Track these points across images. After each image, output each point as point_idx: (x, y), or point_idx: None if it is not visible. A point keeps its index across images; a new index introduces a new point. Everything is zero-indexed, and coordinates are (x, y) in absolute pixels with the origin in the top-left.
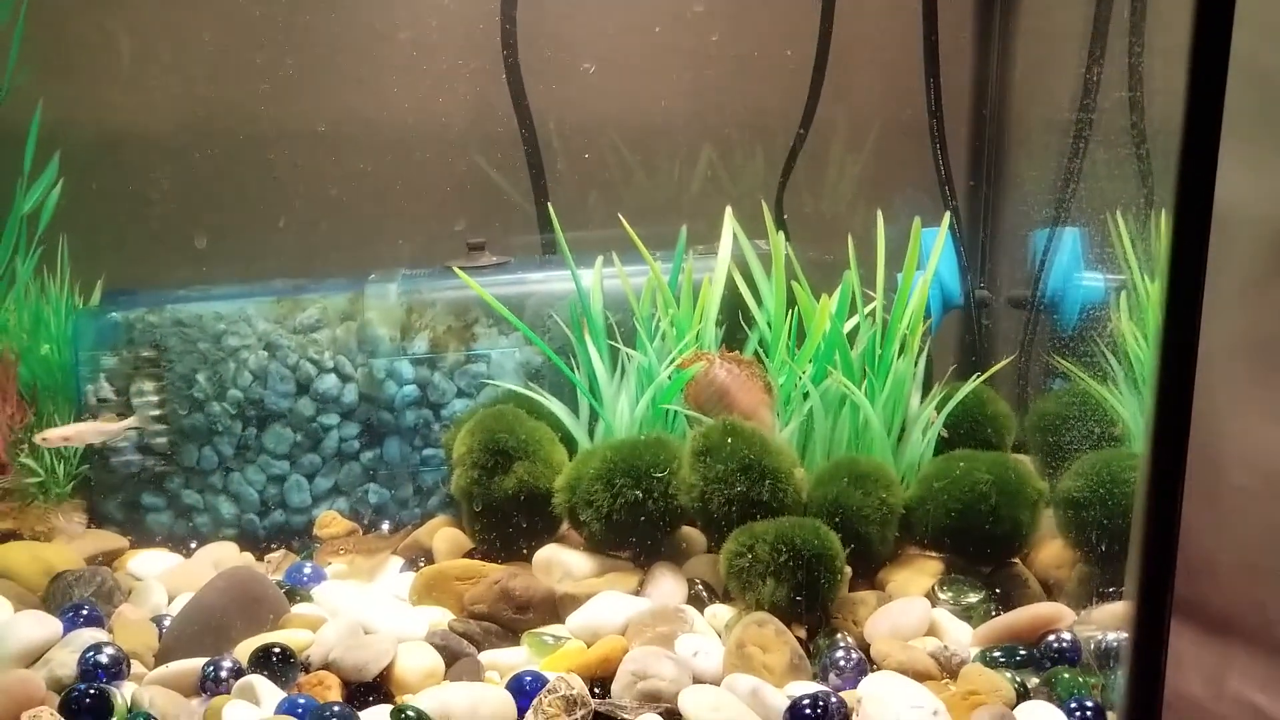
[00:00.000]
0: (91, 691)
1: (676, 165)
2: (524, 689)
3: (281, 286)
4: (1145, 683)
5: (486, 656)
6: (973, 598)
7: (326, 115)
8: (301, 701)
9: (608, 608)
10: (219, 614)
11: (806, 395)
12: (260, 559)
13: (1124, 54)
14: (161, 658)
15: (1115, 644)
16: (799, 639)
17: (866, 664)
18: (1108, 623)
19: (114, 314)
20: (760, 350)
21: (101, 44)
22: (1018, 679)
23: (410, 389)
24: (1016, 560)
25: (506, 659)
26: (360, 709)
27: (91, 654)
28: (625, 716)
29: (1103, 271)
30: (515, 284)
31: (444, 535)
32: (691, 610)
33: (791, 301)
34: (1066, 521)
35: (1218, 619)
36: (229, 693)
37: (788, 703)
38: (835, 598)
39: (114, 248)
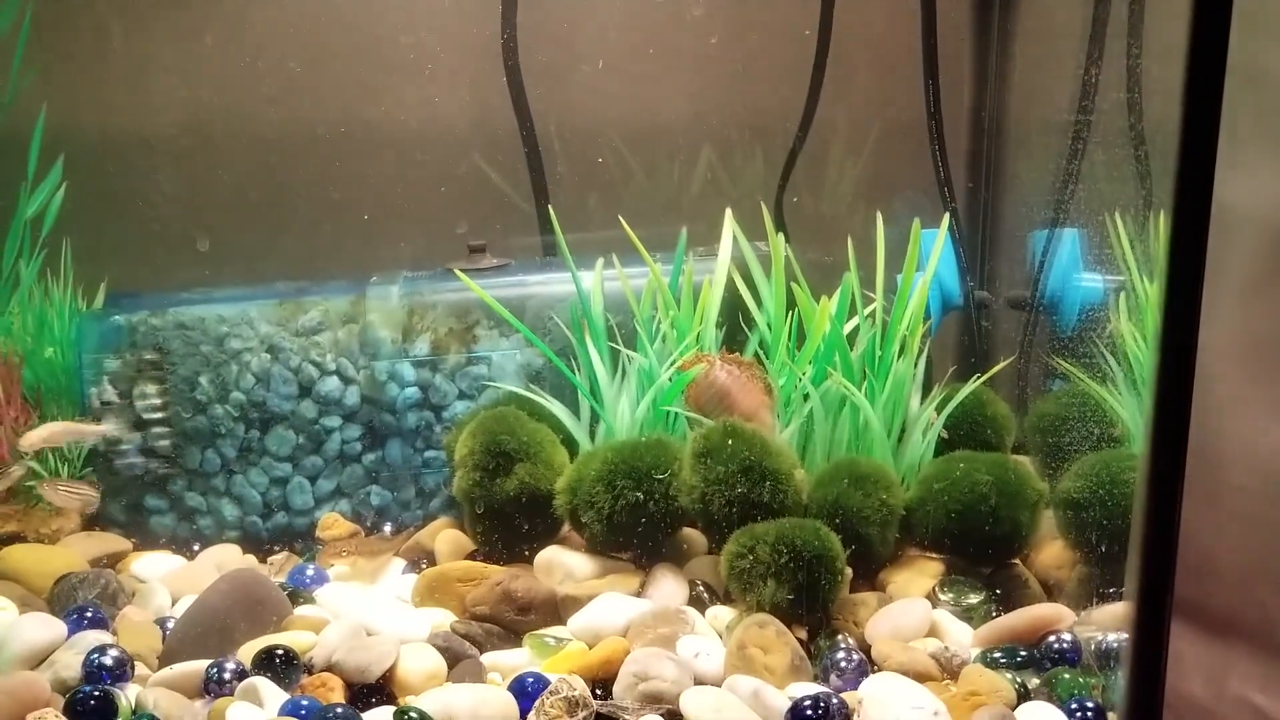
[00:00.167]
0: (96, 694)
1: (676, 167)
2: (526, 690)
3: (284, 289)
4: (1146, 683)
5: (488, 658)
6: (973, 599)
7: (328, 118)
8: (305, 703)
9: (609, 609)
10: (222, 616)
11: (807, 396)
12: (263, 561)
13: (1122, 56)
14: (165, 660)
15: (1115, 645)
16: (800, 640)
17: (867, 665)
18: (1108, 624)
19: (117, 317)
20: (760, 352)
21: (104, 47)
22: (1018, 680)
23: (412, 391)
24: (1017, 561)
25: (508, 660)
26: (363, 710)
27: (96, 656)
28: (627, 718)
29: (1102, 272)
30: (516, 286)
31: (446, 537)
32: (693, 612)
33: (791, 303)
34: (1066, 522)
35: (1218, 619)
36: (232, 695)
37: (789, 704)
38: (836, 599)
39: (117, 250)
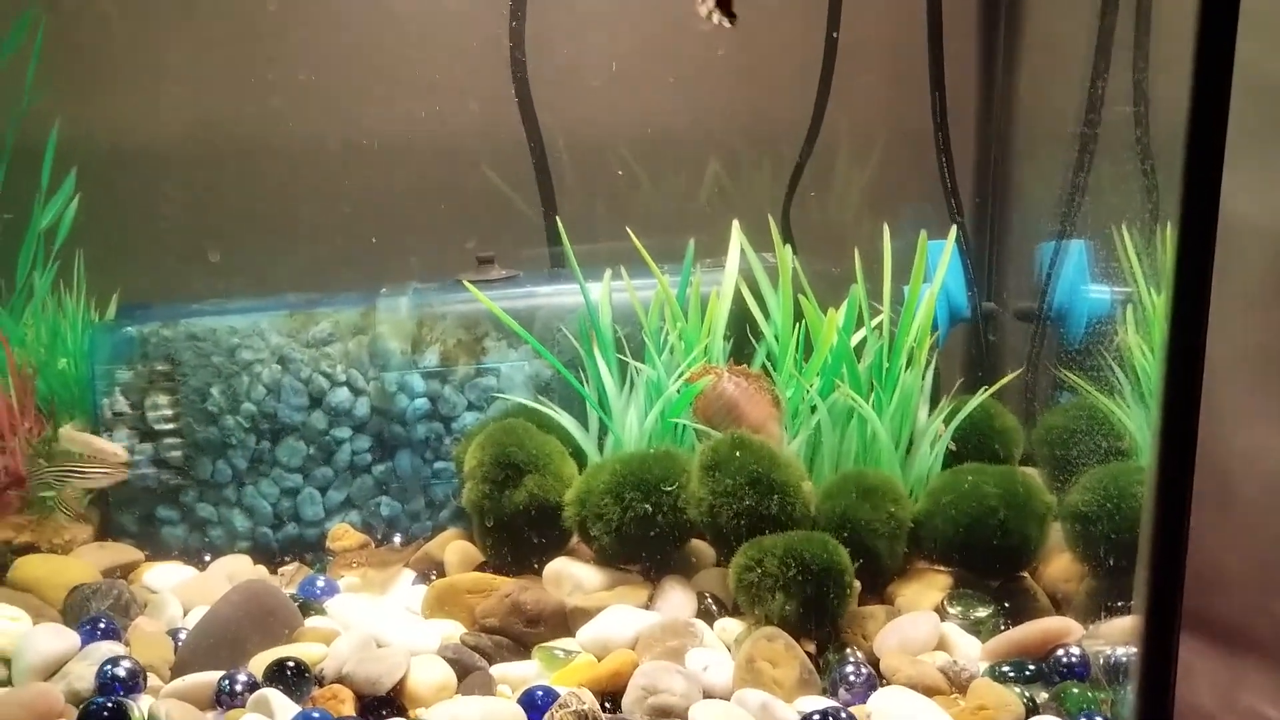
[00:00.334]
0: (109, 705)
1: (684, 177)
2: (536, 703)
3: (294, 300)
4: (1155, 695)
5: (498, 670)
6: (981, 612)
7: (338, 130)
8: (316, 715)
9: (618, 621)
10: (234, 627)
11: (814, 408)
12: (274, 572)
13: (1128, 68)
14: (177, 671)
15: (1124, 659)
16: (808, 654)
17: (876, 679)
18: (1116, 637)
19: (129, 328)
20: (768, 363)
21: (116, 60)
22: (1027, 694)
23: (421, 402)
24: (1025, 574)
25: (517, 672)
26: None
27: (109, 667)
28: None
29: (1109, 284)
30: (524, 298)
31: (455, 548)
32: (701, 624)
33: (799, 315)
34: (1074, 536)
35: (1228, 631)
36: (244, 706)
37: (798, 718)
38: (844, 612)
39: (129, 261)
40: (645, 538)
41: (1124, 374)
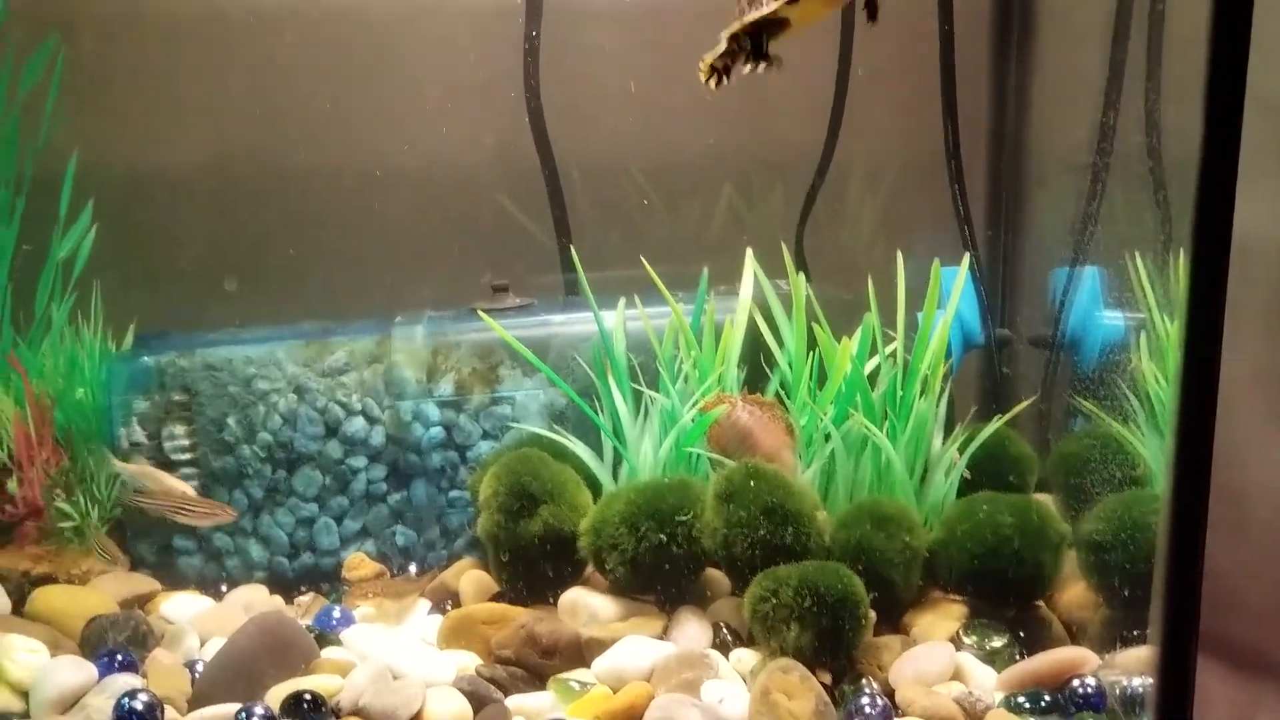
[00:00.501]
0: None
1: (697, 205)
2: None
3: (310, 329)
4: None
5: (513, 701)
6: (997, 641)
7: (353, 159)
8: None
9: (633, 652)
10: (250, 660)
11: (828, 437)
12: (290, 602)
13: (1141, 98)
14: (195, 703)
15: (1141, 690)
16: (824, 685)
17: (891, 710)
18: (1132, 668)
19: (146, 358)
20: (782, 392)
21: (132, 90)
22: None
23: (436, 431)
24: (1040, 602)
25: (533, 704)
26: None
27: (126, 700)
28: None
29: (1123, 311)
30: (539, 326)
31: (470, 578)
32: (716, 655)
33: (813, 343)
34: (1089, 565)
35: (1246, 655)
36: None
37: None
38: (860, 643)
39: (145, 291)
40: (660, 568)
41: (1138, 401)
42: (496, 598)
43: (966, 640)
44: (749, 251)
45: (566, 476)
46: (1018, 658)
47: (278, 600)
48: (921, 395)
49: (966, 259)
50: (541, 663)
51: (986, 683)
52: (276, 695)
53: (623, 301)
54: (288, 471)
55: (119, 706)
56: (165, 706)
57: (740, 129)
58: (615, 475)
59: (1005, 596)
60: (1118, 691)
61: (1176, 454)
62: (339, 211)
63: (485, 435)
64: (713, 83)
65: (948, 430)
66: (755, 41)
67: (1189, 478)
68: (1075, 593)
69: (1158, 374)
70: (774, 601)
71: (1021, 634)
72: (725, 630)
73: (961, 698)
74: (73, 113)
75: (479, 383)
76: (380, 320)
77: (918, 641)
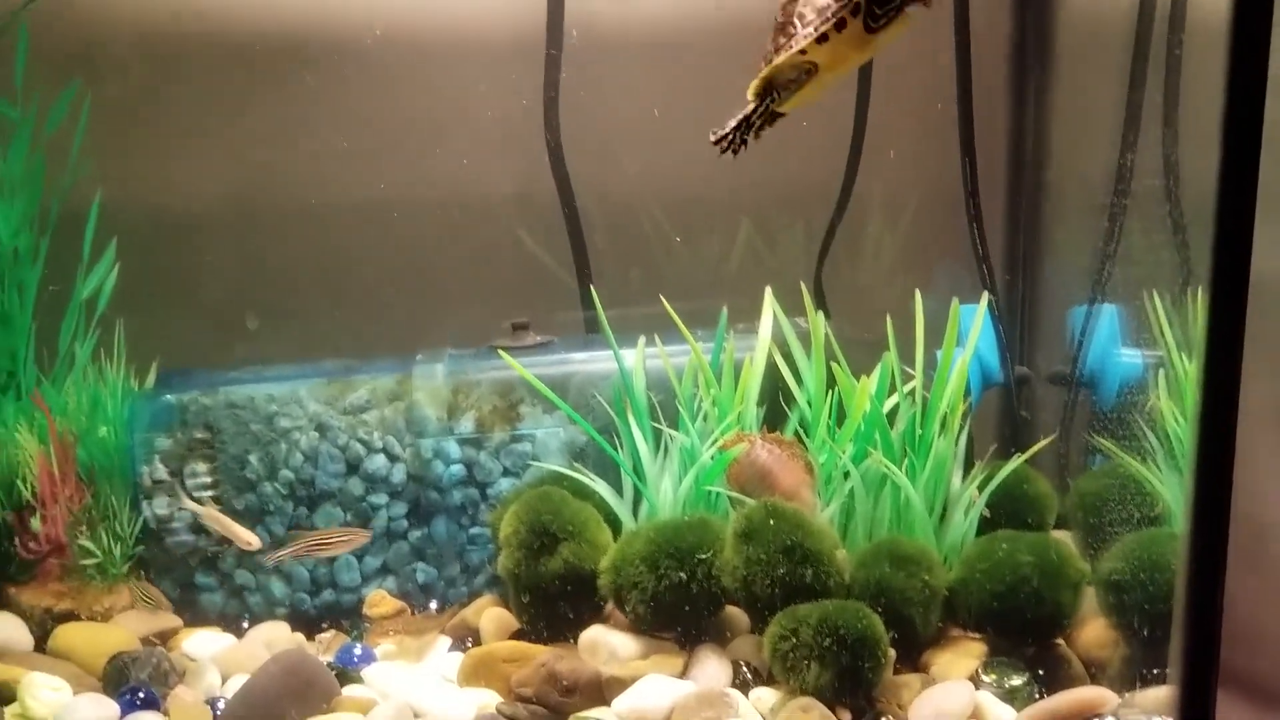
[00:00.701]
0: None
1: (717, 242)
2: None
3: (332, 367)
4: None
5: None
6: (1016, 680)
7: (375, 197)
8: None
9: (653, 691)
10: (272, 698)
11: (847, 475)
12: (311, 639)
13: (1158, 140)
14: None
15: None
16: None
17: None
18: (1152, 707)
19: (168, 396)
20: (801, 430)
21: (155, 129)
22: None
23: (457, 468)
24: (1059, 641)
25: None
26: None
27: None
28: None
29: (1141, 349)
30: (559, 364)
31: (491, 615)
32: (736, 694)
33: (832, 381)
34: (1109, 604)
35: (1265, 689)
36: None
37: None
38: (879, 681)
39: (168, 328)
40: (680, 606)
41: (1157, 439)
42: (517, 635)
43: (985, 679)
44: (768, 290)
45: (587, 514)
46: (1037, 696)
47: (299, 637)
48: (941, 434)
49: (985, 297)
50: (562, 701)
51: None
52: None
53: (642, 340)
54: (309, 509)
55: None
56: None
57: (759, 167)
58: (635, 513)
59: (1024, 635)
60: None
61: (1196, 491)
62: (360, 250)
63: (506, 473)
64: (730, 151)
65: (967, 469)
66: (781, 92)
67: (1208, 514)
68: (1095, 631)
69: (1176, 412)
70: (794, 640)
71: (1041, 672)
72: (745, 669)
73: None
74: (96, 153)
75: (499, 420)
76: (401, 358)
77: (937, 680)
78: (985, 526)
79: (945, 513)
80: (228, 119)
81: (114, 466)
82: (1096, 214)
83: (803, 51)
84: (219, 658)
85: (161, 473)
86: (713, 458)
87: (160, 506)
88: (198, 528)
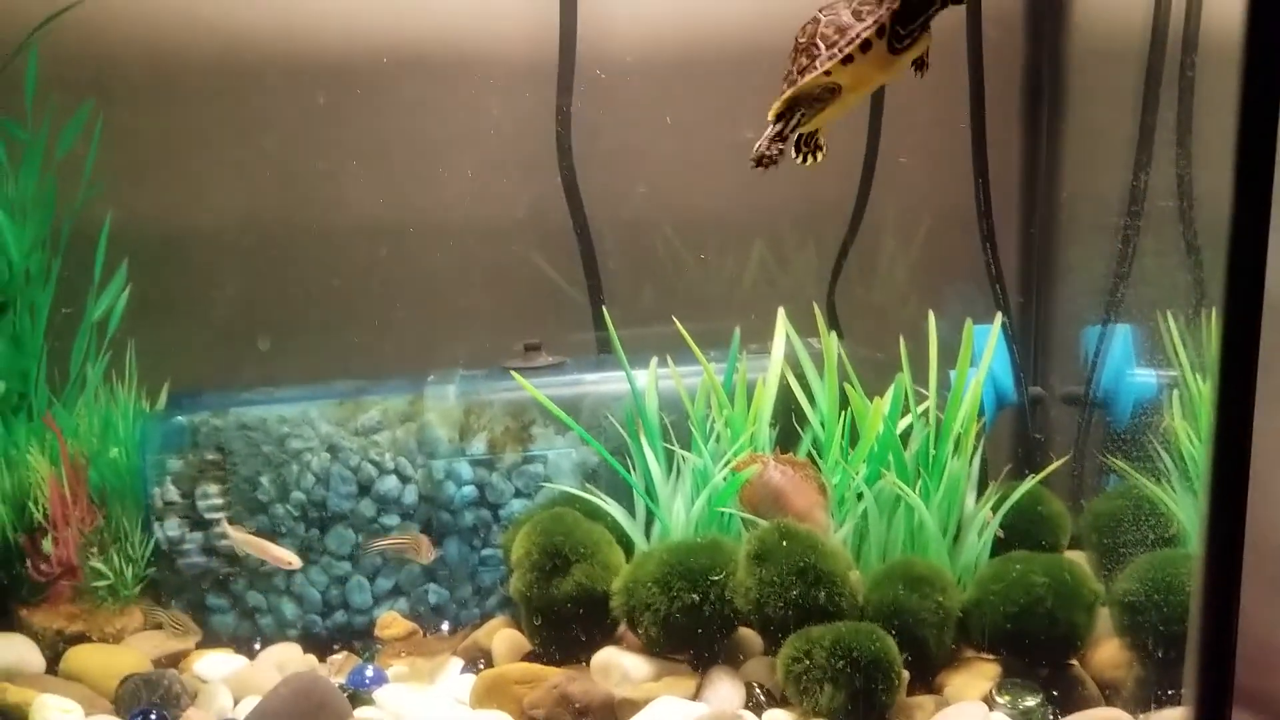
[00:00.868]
0: None
1: (729, 262)
2: None
3: (343, 388)
4: None
5: None
6: (1030, 701)
7: (386, 218)
8: None
9: (666, 713)
10: None
11: (860, 496)
12: (323, 660)
13: (1171, 162)
14: None
15: None
16: None
17: None
18: None
19: (180, 418)
20: (814, 451)
21: (166, 150)
22: None
23: (469, 489)
24: (1074, 662)
25: None
26: None
27: None
28: None
29: (1155, 369)
30: (571, 385)
31: (503, 636)
32: (750, 716)
33: (845, 402)
34: (1123, 625)
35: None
36: None
37: None
38: (893, 703)
39: (179, 350)
40: (693, 627)
41: (1171, 459)
42: (529, 657)
43: (999, 700)
44: (781, 311)
45: (599, 536)
46: (1051, 718)
47: (311, 659)
48: (955, 454)
49: (999, 318)
50: None
51: None
52: None
53: (655, 360)
54: (321, 530)
55: None
56: None
57: (772, 188)
58: (648, 534)
59: (1039, 656)
60: None
61: (1210, 512)
62: (372, 271)
63: (518, 494)
64: (760, 169)
65: (981, 489)
66: (804, 112)
67: (1223, 535)
68: (1109, 652)
69: (1190, 432)
70: (807, 662)
71: (1055, 694)
72: (758, 690)
73: None
74: (108, 174)
75: (511, 441)
76: (414, 379)
77: (950, 702)
78: (999, 547)
79: (959, 533)
80: (240, 140)
81: (125, 488)
82: (1110, 235)
83: (827, 73)
84: (231, 679)
85: (173, 494)
86: (725, 479)
87: (172, 528)
88: (209, 549)
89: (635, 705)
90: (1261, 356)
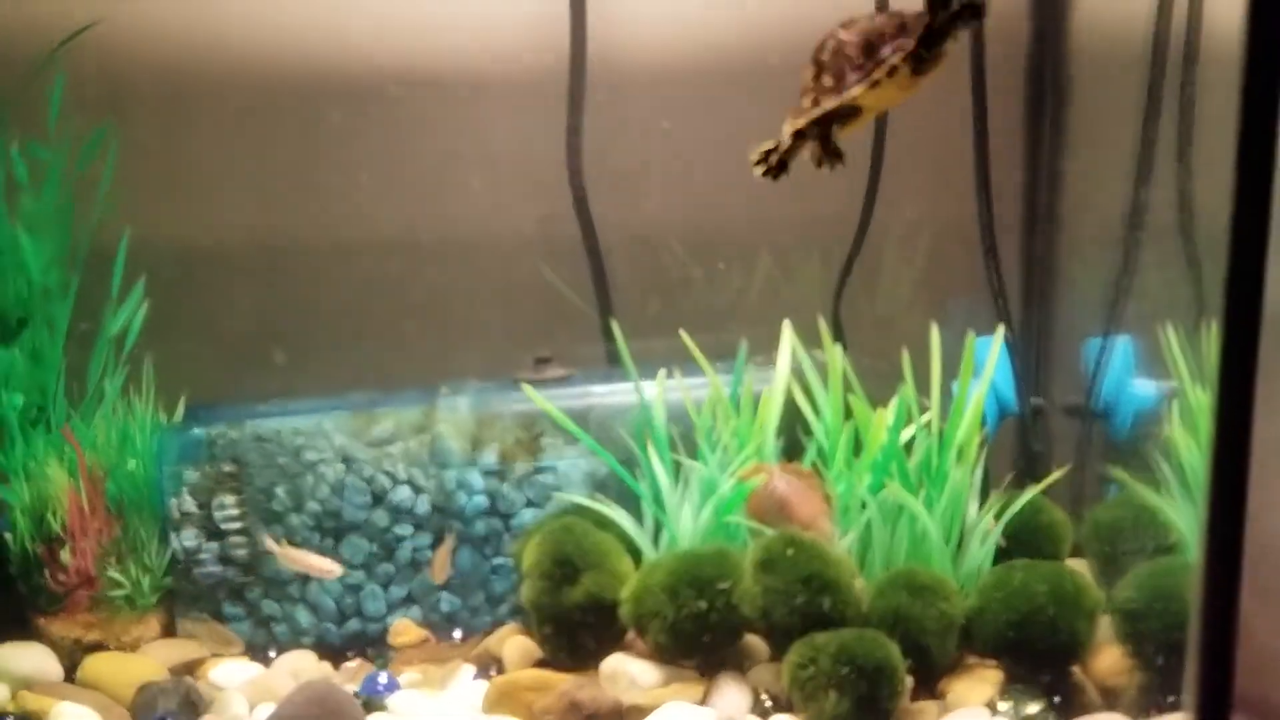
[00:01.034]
0: None
1: (736, 275)
2: None
3: (357, 400)
4: None
5: None
6: (1032, 708)
7: (398, 232)
8: None
9: (674, 719)
10: None
11: (865, 505)
12: (337, 668)
13: (1172, 175)
14: None
15: None
16: None
17: None
18: None
19: (196, 430)
20: (818, 461)
21: (183, 167)
22: None
23: (480, 499)
24: (1075, 668)
25: None
26: None
27: None
28: None
29: (1155, 380)
30: (580, 397)
31: (514, 644)
32: None
33: (849, 412)
34: (1124, 633)
35: None
36: None
37: None
38: (896, 709)
39: (196, 364)
40: (700, 635)
41: (1171, 469)
42: (540, 664)
43: (1002, 706)
44: (786, 323)
45: (608, 545)
46: None
47: (325, 666)
48: (957, 464)
49: (1001, 330)
50: None
51: None
52: None
53: (663, 372)
54: (335, 540)
55: None
56: None
57: (778, 202)
58: (656, 543)
59: (1040, 663)
60: None
61: (1209, 520)
62: (385, 286)
63: (529, 504)
64: (769, 175)
65: (983, 499)
66: (825, 132)
67: (1222, 543)
68: (1110, 659)
69: (1190, 443)
70: (812, 669)
71: (1057, 700)
72: (764, 696)
73: None
74: (125, 192)
75: (522, 452)
76: (426, 391)
77: (953, 708)
78: (1001, 556)
79: (962, 542)
80: (256, 158)
81: (143, 499)
82: (1111, 247)
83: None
84: (246, 687)
85: (190, 505)
86: (732, 489)
87: (188, 538)
88: (225, 559)
89: (643, 711)
90: (1260, 366)
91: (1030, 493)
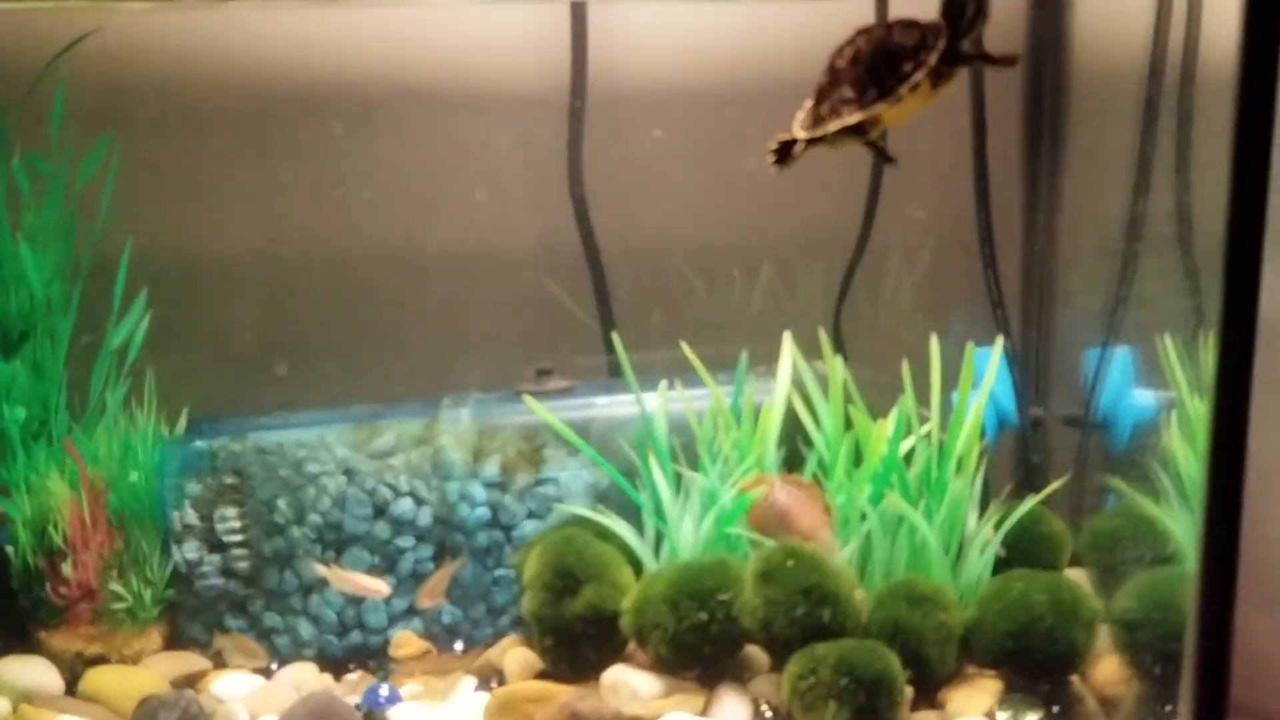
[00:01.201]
0: None
1: (737, 287)
2: None
3: (359, 413)
4: None
5: None
6: (1031, 717)
7: (400, 245)
8: None
9: None
10: None
11: (864, 516)
12: (339, 680)
13: (1170, 187)
14: None
15: None
16: None
17: None
18: None
19: (198, 442)
20: (819, 472)
21: (184, 179)
22: None
23: (482, 511)
24: (1074, 678)
25: None
26: None
27: None
28: None
29: (1153, 390)
30: (581, 408)
31: (515, 655)
32: None
33: (849, 423)
34: (1122, 642)
35: None
36: None
37: None
38: (896, 719)
39: (198, 376)
40: (700, 646)
41: (1169, 479)
42: (541, 675)
43: (1001, 716)
44: (787, 335)
45: (609, 556)
46: None
47: (327, 678)
48: (957, 475)
49: (1000, 341)
50: None
51: None
52: None
53: (664, 384)
54: (337, 552)
55: None
56: None
57: (779, 214)
58: (657, 555)
59: (1039, 673)
60: None
61: (1206, 530)
62: (387, 298)
63: (530, 515)
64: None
65: (982, 509)
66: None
67: (1218, 553)
68: (1108, 669)
69: (1188, 453)
70: (812, 679)
71: (1055, 709)
72: (765, 707)
73: None
74: (127, 204)
75: (524, 464)
76: (428, 403)
77: (953, 717)
78: (1001, 566)
79: (961, 552)
80: (257, 170)
81: (144, 512)
82: (1110, 259)
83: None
84: (248, 699)
85: (192, 517)
86: (733, 500)
87: (190, 551)
88: (227, 571)
89: None
90: (1256, 377)
91: (1029, 503)
